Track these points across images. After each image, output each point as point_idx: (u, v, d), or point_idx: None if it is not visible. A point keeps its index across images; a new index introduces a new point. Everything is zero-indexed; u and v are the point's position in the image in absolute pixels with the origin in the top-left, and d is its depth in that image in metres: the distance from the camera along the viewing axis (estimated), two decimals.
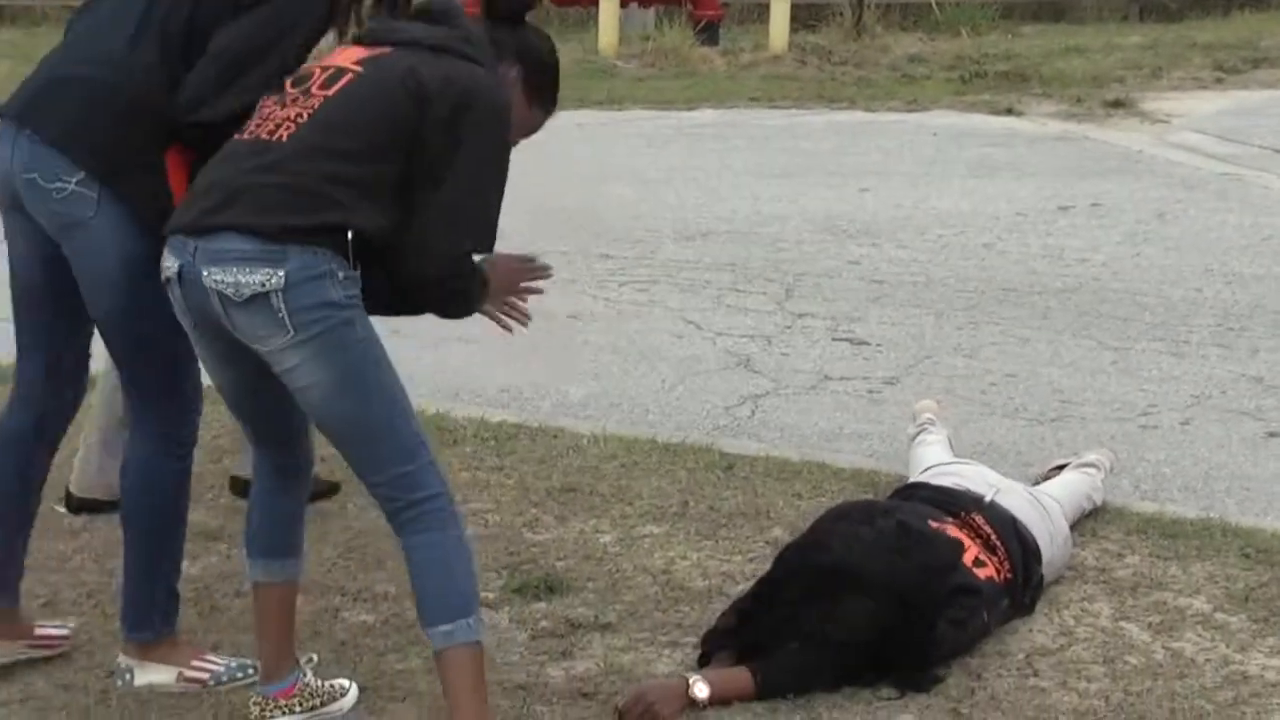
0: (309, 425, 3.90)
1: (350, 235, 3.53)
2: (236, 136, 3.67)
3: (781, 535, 5.09)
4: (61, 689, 4.17)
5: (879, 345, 7.50)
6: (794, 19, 18.05)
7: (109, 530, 5.18)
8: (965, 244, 9.41)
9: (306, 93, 3.64)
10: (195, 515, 5.28)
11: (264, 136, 3.60)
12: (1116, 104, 14.45)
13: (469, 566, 3.73)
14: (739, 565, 4.97)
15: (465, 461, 5.77)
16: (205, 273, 3.53)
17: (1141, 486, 5.78)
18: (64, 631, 4.39)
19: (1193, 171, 11.68)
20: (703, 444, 6.04)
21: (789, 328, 7.78)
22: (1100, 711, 4.12)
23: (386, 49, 3.68)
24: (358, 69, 3.65)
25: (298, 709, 3.98)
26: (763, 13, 18.46)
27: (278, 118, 3.62)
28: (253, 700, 3.99)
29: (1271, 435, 6.31)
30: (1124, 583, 4.88)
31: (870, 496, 5.31)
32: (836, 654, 4.15)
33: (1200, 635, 4.54)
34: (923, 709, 4.12)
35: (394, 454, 3.64)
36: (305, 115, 3.59)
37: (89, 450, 5.33)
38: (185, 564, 4.90)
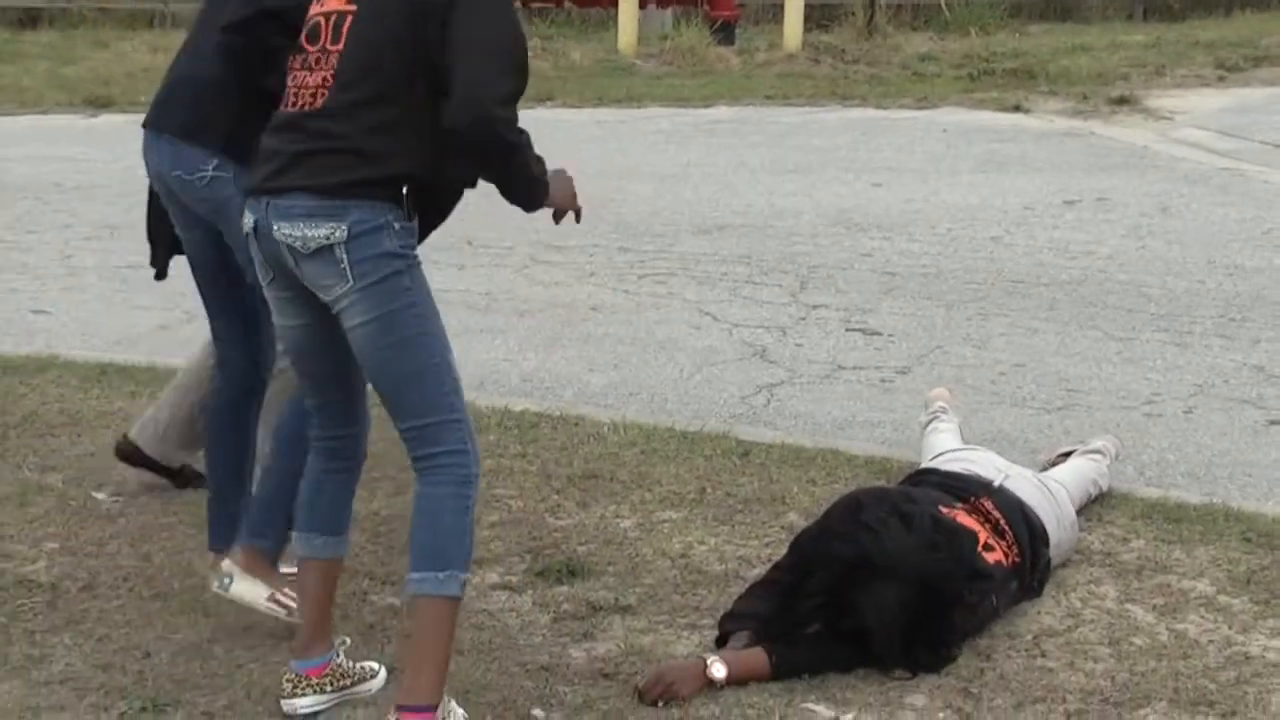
0: (364, 401, 4.02)
1: (407, 189, 3.68)
2: (281, 109, 3.81)
3: (796, 520, 5.09)
4: (99, 669, 4.18)
5: (891, 336, 7.49)
6: (807, 19, 18.03)
7: (145, 516, 5.20)
8: (974, 237, 9.40)
9: (324, 51, 3.74)
10: None
11: (304, 107, 3.74)
12: (1121, 101, 14.42)
13: (459, 525, 3.81)
14: (755, 550, 4.97)
15: (489, 449, 5.76)
16: (276, 227, 3.70)
17: (1146, 473, 5.77)
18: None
19: (1195, 167, 11.65)
20: (720, 432, 6.04)
21: (803, 319, 7.77)
22: (1106, 691, 4.11)
23: None
24: (352, 7, 3.73)
25: (328, 688, 4.00)
26: (777, 13, 18.44)
27: (310, 85, 3.74)
28: (285, 676, 4.01)
29: (1272, 423, 6.29)
30: (1129, 566, 4.87)
31: (882, 483, 5.31)
32: (858, 640, 4.15)
33: (1203, 617, 4.54)
34: (934, 689, 4.12)
35: (421, 404, 3.77)
36: (330, 78, 3.71)
37: (160, 411, 5.37)
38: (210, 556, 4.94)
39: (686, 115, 14.07)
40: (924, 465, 5.20)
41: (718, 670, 4.08)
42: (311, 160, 3.69)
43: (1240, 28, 18.31)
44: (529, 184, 3.83)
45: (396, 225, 3.69)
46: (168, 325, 7.63)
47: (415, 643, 3.82)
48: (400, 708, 3.75)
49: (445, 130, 3.64)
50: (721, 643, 4.28)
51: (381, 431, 5.89)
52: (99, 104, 14.46)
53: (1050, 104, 14.42)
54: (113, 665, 4.20)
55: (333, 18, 3.75)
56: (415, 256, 3.75)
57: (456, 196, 3.96)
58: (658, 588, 4.70)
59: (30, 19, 19.02)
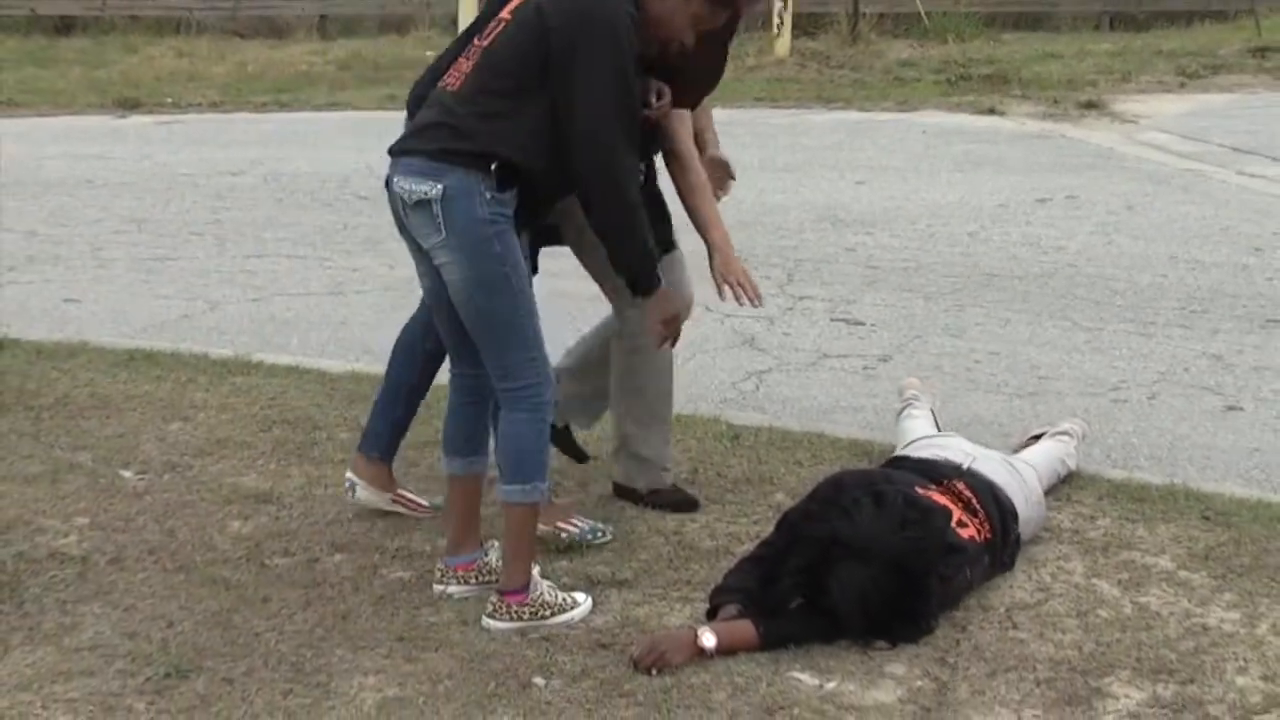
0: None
1: (495, 165, 3.98)
2: (439, 85, 4.20)
3: (784, 500, 5.08)
4: (127, 637, 4.17)
5: (873, 325, 7.47)
6: (795, 27, 18.01)
7: (169, 494, 5.19)
8: (952, 233, 9.38)
9: (478, 46, 4.15)
10: (247, 479, 5.33)
11: (448, 86, 4.15)
12: (1089, 105, 14.40)
13: (538, 444, 4.22)
14: (744, 527, 4.95)
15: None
16: (395, 179, 4.11)
17: (1112, 455, 5.76)
18: (425, 502, 5.06)
19: (1159, 167, 11.64)
20: (711, 415, 6.03)
21: (790, 309, 7.76)
22: (1074, 660, 4.10)
23: None
24: (509, 17, 4.13)
25: (473, 581, 4.44)
26: (767, 21, 18.42)
27: (462, 69, 4.15)
28: (438, 567, 4.45)
29: (1230, 409, 6.28)
30: (1096, 543, 4.86)
31: (865, 465, 5.30)
32: (836, 614, 4.14)
33: (1165, 591, 4.53)
34: (913, 658, 4.11)
35: (499, 346, 4.14)
36: (471, 65, 4.12)
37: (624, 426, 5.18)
38: (238, 524, 4.94)
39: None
40: (899, 451, 5.19)
41: (708, 640, 4.07)
42: (432, 129, 4.08)
43: (1200, 38, 18.28)
44: (639, 253, 4.18)
45: (488, 195, 4.00)
46: (190, 314, 7.61)
47: (507, 541, 4.28)
48: (500, 592, 4.25)
49: (560, 142, 4.00)
50: (712, 615, 4.27)
51: None
52: (128, 105, 14.44)
53: (1023, 108, 14.39)
54: (139, 633, 4.20)
55: (497, 23, 4.16)
56: (505, 223, 4.04)
57: (554, 199, 4.30)
58: (652, 563, 4.69)
59: (65, 26, 19.00)
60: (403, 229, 4.20)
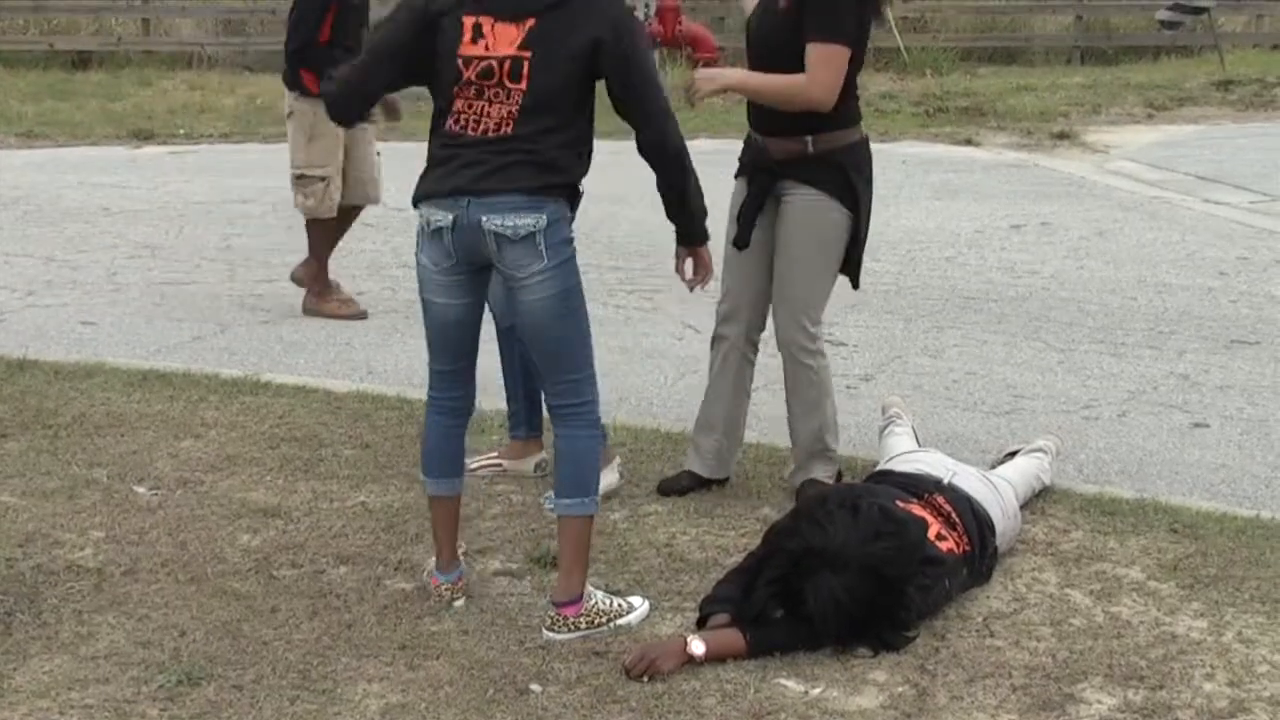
0: (474, 367, 4.48)
1: (571, 191, 4.18)
2: (455, 132, 4.15)
3: (770, 514, 5.07)
4: (140, 646, 4.16)
5: (855, 346, 7.47)
6: None
7: (181, 508, 5.18)
8: (931, 258, 9.39)
9: (503, 87, 4.09)
10: (256, 494, 5.31)
11: (491, 133, 4.11)
12: (1062, 136, 14.41)
13: (593, 461, 4.32)
14: (733, 540, 4.95)
15: (493, 448, 5.74)
16: (485, 219, 4.08)
17: (1084, 470, 5.76)
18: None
19: (1128, 195, 11.65)
20: None
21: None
22: (1048, 667, 4.10)
23: (530, 20, 4.09)
24: (527, 54, 4.08)
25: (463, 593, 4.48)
26: None
27: (493, 115, 4.11)
28: (444, 586, 4.44)
29: (1197, 426, 6.29)
30: (1069, 555, 4.86)
31: (848, 480, 5.29)
32: (816, 621, 4.13)
33: (1135, 600, 4.53)
34: (894, 666, 4.11)
35: (570, 364, 4.25)
36: (516, 110, 4.09)
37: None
38: (247, 537, 4.93)
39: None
40: (881, 466, 5.19)
41: (697, 648, 4.07)
42: (512, 168, 4.08)
43: (1167, 71, 18.32)
44: (698, 209, 4.41)
45: (570, 218, 4.19)
46: (202, 336, 7.60)
47: (564, 552, 4.31)
48: (557, 604, 4.26)
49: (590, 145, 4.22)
50: (702, 624, 4.27)
51: (392, 431, 5.89)
52: (142, 137, 14.41)
53: (998, 138, 14.41)
54: (152, 642, 4.19)
55: (507, 63, 4.08)
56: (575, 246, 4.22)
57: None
58: (644, 574, 4.69)
59: (82, 61, 18.96)
60: (463, 266, 4.19)
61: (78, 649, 4.16)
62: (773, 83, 4.99)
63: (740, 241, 5.23)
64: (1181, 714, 3.89)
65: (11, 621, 4.31)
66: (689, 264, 4.62)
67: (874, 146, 5.29)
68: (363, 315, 7.91)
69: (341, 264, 8.40)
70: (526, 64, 4.07)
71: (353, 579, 4.63)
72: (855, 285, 5.39)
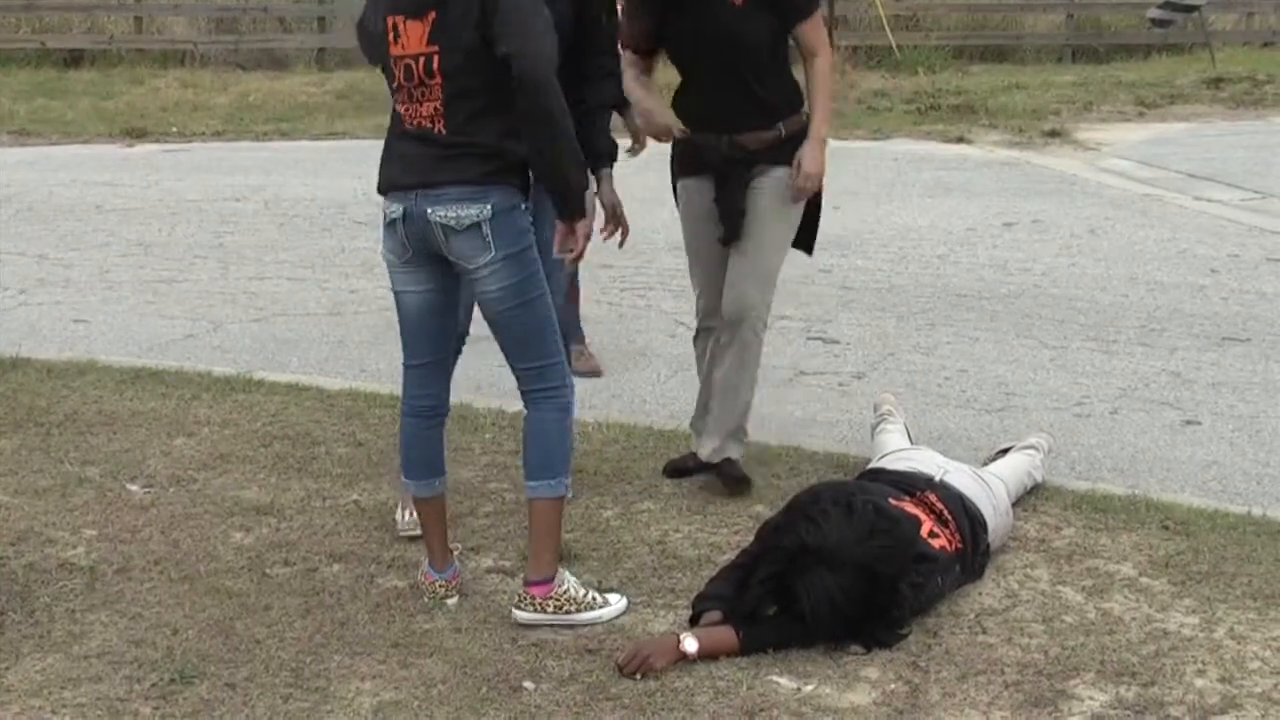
0: (452, 366, 4.55)
1: (522, 173, 4.11)
2: (404, 128, 4.17)
3: (763, 511, 5.07)
4: (133, 644, 4.16)
5: (848, 344, 7.47)
6: None
7: (174, 506, 5.18)
8: (923, 255, 9.39)
9: (424, 85, 4.08)
10: (249, 492, 5.31)
11: (426, 127, 4.12)
12: (1053, 134, 14.42)
13: (563, 443, 4.31)
14: (725, 537, 4.95)
15: (485, 446, 5.74)
16: (430, 210, 4.09)
17: (1076, 467, 5.76)
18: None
19: (1120, 193, 11.66)
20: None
21: (768, 329, 7.73)
22: (1040, 664, 4.10)
23: (431, 13, 4.05)
24: (435, 50, 4.06)
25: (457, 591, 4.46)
26: None
27: (424, 113, 4.11)
28: (438, 583, 4.41)
29: (1188, 423, 6.29)
30: (1061, 551, 4.86)
31: (841, 477, 5.29)
32: (810, 618, 4.13)
33: (1127, 597, 4.53)
34: (886, 662, 4.11)
35: (537, 349, 4.25)
36: (441, 105, 4.08)
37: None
38: (239, 535, 4.92)
39: (664, 146, 13.98)
40: (874, 464, 5.18)
41: (690, 645, 4.06)
42: (454, 160, 4.08)
43: (1157, 69, 18.34)
44: (567, 176, 4.09)
45: (522, 206, 4.14)
46: (194, 334, 7.59)
47: (534, 534, 4.31)
48: (528, 582, 4.28)
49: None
50: (694, 621, 4.26)
51: (384, 429, 5.88)
52: (135, 135, 14.40)
53: (990, 136, 14.41)
54: (145, 641, 4.18)
55: (420, 60, 4.08)
56: (533, 232, 4.18)
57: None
58: (637, 571, 4.68)
59: (74, 59, 18.93)
60: (419, 258, 4.19)
61: (70, 647, 4.15)
62: (825, 100, 5.34)
63: (730, 238, 5.29)
64: (1173, 710, 3.89)
65: (4, 620, 4.30)
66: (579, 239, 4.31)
67: (866, 145, 5.33)
68: None
69: (334, 262, 8.41)
70: (436, 58, 4.07)
71: (345, 577, 4.62)
72: (809, 252, 5.74)
